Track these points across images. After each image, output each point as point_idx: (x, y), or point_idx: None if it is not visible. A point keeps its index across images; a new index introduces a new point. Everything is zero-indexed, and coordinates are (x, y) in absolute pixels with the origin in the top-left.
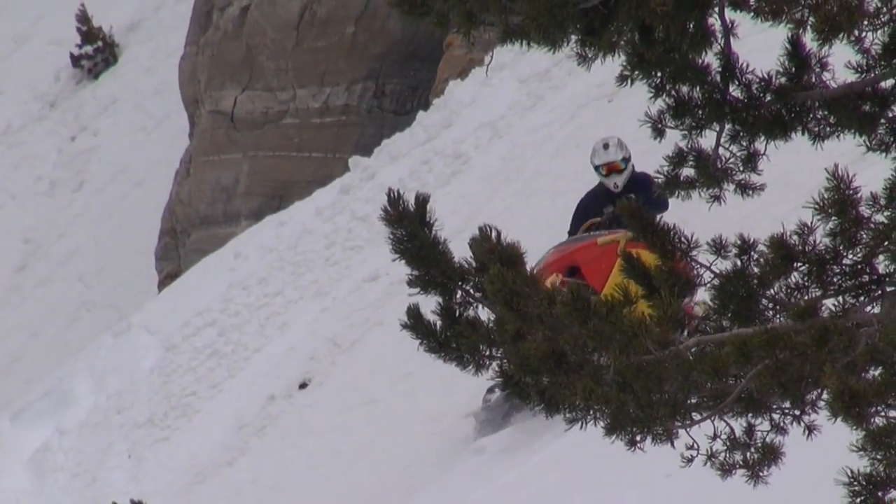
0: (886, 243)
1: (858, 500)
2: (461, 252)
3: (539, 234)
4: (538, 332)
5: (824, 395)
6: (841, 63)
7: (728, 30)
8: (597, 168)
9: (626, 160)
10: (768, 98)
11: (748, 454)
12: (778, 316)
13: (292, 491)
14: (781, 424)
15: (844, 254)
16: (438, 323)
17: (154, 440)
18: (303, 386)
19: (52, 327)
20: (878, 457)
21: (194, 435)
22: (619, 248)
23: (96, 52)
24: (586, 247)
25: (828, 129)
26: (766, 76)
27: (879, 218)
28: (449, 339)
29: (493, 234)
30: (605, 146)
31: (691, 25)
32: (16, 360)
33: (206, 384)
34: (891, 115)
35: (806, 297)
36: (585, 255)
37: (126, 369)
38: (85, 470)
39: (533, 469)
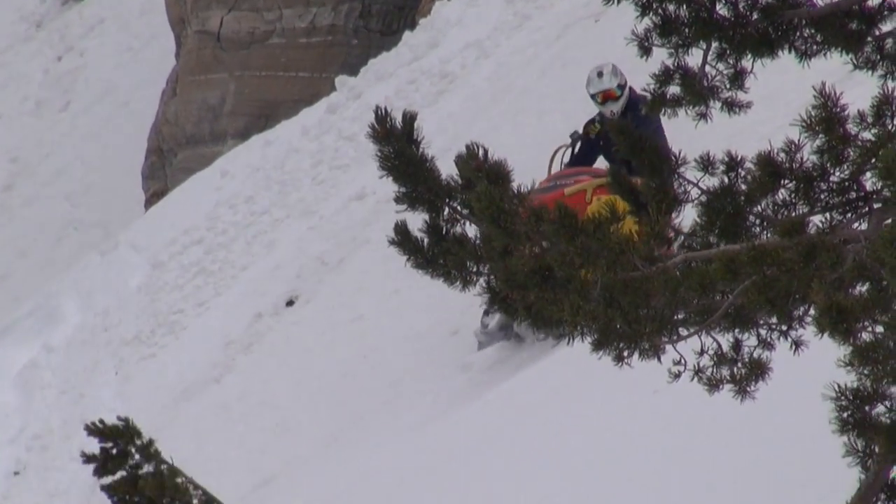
0: (874, 160)
1: (845, 414)
2: (448, 171)
3: (526, 152)
4: (525, 248)
5: (811, 311)
6: None
7: None
8: (592, 97)
9: (622, 87)
10: (755, 16)
11: (735, 369)
12: (765, 232)
13: (279, 408)
14: (768, 340)
15: (831, 171)
16: (426, 240)
17: (141, 357)
18: (290, 303)
19: (38, 246)
20: (865, 372)
21: (181, 352)
22: (586, 196)
23: None
24: (554, 198)
25: (814, 47)
26: None
27: (866, 135)
28: (436, 256)
29: (481, 152)
30: (599, 74)
31: None
32: (3, 279)
33: (192, 302)
34: (877, 33)
35: (793, 214)
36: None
37: (113, 287)
38: (72, 387)
39: (519, 385)
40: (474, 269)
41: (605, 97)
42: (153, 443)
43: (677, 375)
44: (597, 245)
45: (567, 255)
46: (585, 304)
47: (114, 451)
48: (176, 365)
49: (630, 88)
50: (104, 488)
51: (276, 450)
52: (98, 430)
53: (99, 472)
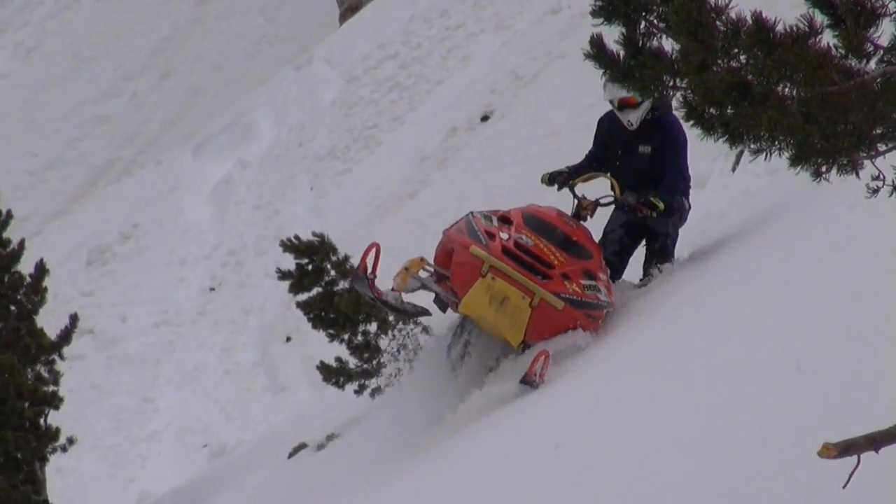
0: None
1: None
2: None
3: None
4: (723, 62)
5: None
6: None
7: None
8: (609, 102)
9: None
10: None
11: None
12: None
13: None
14: None
15: None
16: (622, 53)
17: (336, 173)
18: (484, 118)
19: (232, 60)
20: None
21: (376, 167)
22: (482, 268)
23: None
24: (462, 244)
25: None
26: None
27: None
28: (632, 69)
29: None
30: None
31: None
32: (197, 93)
33: (387, 117)
34: None
35: None
36: (459, 256)
37: (307, 102)
38: (267, 202)
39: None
40: (671, 84)
41: (622, 103)
42: (348, 259)
43: (875, 191)
44: (794, 59)
45: (765, 69)
46: (783, 119)
47: (309, 267)
48: (371, 180)
49: None
50: (299, 305)
51: None
52: (293, 247)
53: (294, 289)
